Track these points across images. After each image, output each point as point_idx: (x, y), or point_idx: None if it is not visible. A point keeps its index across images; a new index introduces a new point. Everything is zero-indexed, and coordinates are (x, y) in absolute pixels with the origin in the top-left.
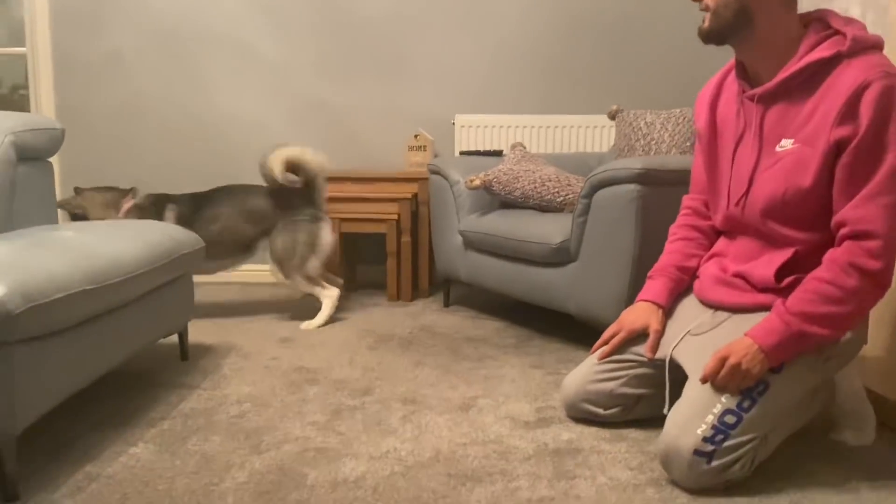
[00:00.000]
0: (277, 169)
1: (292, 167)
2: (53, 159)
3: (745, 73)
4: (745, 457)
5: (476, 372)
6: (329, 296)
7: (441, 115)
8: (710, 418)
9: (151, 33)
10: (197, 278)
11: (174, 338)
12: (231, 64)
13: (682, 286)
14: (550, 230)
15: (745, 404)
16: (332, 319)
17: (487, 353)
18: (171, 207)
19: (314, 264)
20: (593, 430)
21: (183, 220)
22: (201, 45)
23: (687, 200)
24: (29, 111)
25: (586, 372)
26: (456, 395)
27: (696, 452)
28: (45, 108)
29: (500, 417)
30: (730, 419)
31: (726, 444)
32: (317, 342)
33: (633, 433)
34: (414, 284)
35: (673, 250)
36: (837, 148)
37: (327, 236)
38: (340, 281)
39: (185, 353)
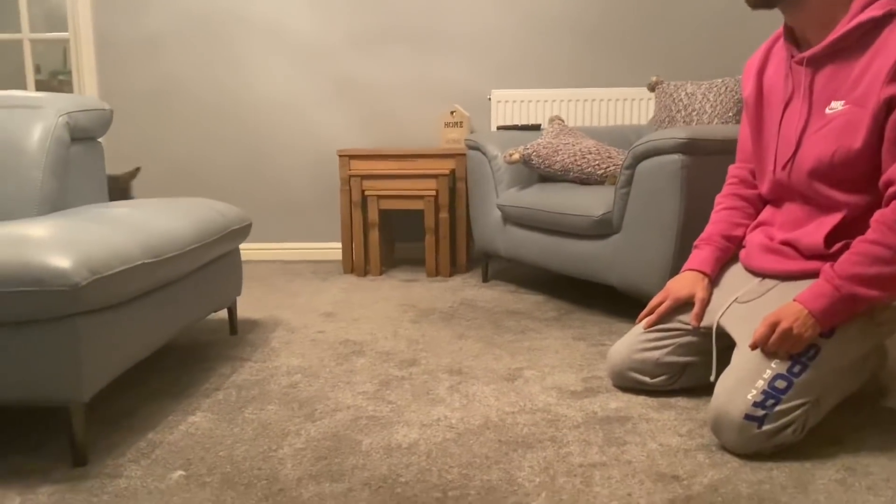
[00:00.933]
0: None
1: None
2: None
3: (794, 38)
4: (797, 421)
5: (519, 344)
6: None
7: (477, 90)
8: (761, 383)
9: (189, 16)
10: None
11: (222, 313)
12: (266, 44)
13: (729, 255)
14: (592, 202)
15: (796, 369)
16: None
17: (529, 325)
18: None
19: None
20: (641, 398)
21: None
22: (237, 26)
23: (733, 169)
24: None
25: (632, 341)
26: (500, 367)
27: (747, 417)
28: (88, 91)
29: (546, 387)
30: (780, 384)
31: (777, 408)
32: (360, 316)
33: (681, 401)
34: (452, 260)
35: (719, 219)
36: (888, 106)
37: None
38: None
39: (235, 327)
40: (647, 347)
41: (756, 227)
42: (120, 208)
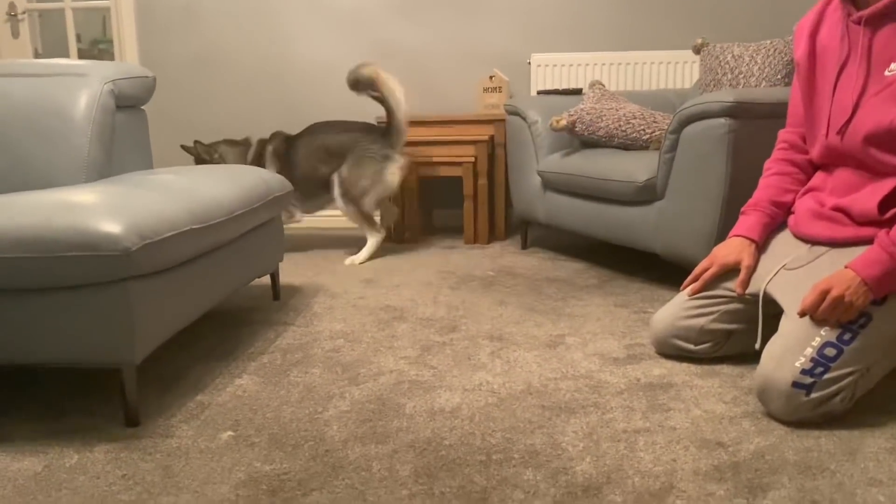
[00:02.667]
0: (370, 77)
1: (377, 90)
2: None
3: None
4: (846, 390)
5: (560, 311)
6: (375, 236)
7: (516, 54)
8: (809, 351)
9: None
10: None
11: (265, 280)
12: (306, 10)
13: (777, 221)
14: (635, 168)
15: (846, 337)
16: (373, 257)
17: (570, 292)
18: (268, 150)
19: (372, 200)
20: (684, 365)
21: (277, 164)
22: None
23: (783, 134)
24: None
25: (676, 308)
26: (542, 333)
27: (795, 385)
28: (128, 60)
29: (588, 354)
30: (830, 352)
31: (826, 376)
32: (399, 283)
33: (726, 369)
34: (490, 228)
35: (768, 185)
36: None
37: (393, 176)
38: (391, 221)
39: (277, 293)
40: (692, 315)
41: (806, 192)
42: (166, 175)
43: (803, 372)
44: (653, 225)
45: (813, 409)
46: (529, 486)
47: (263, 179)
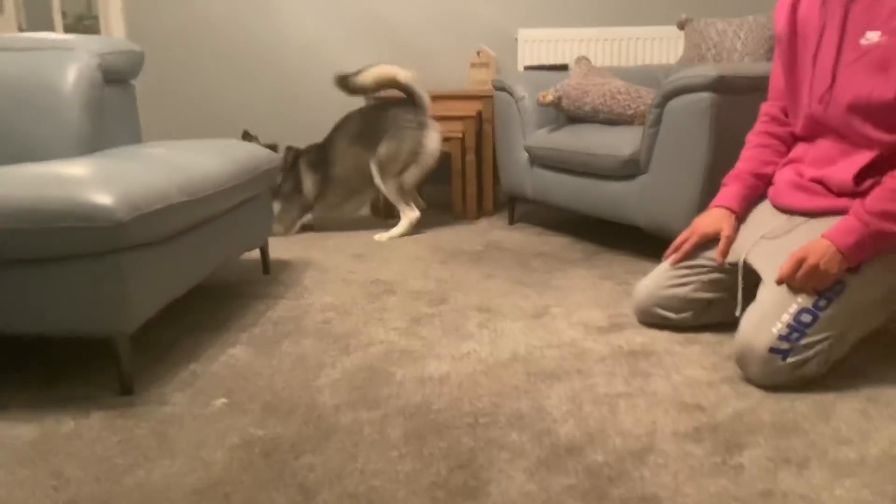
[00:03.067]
0: (369, 83)
1: (385, 85)
2: None
3: None
4: (820, 355)
5: (546, 283)
6: (409, 215)
7: (503, 30)
8: (786, 317)
9: None
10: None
11: (255, 254)
12: None
13: (758, 193)
14: (620, 142)
15: (822, 304)
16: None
17: (556, 266)
18: (302, 164)
19: (413, 174)
20: (666, 334)
21: (314, 171)
22: None
23: (765, 107)
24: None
25: (658, 277)
26: (528, 305)
27: (772, 350)
28: (115, 34)
29: (573, 324)
30: (806, 318)
31: (802, 342)
32: (389, 257)
33: (706, 337)
34: (478, 203)
35: (749, 157)
36: None
37: (433, 144)
38: (423, 205)
39: (267, 266)
40: (673, 284)
41: (786, 164)
42: (157, 148)
43: (780, 338)
44: (637, 199)
45: (789, 373)
46: (515, 446)
47: (253, 154)
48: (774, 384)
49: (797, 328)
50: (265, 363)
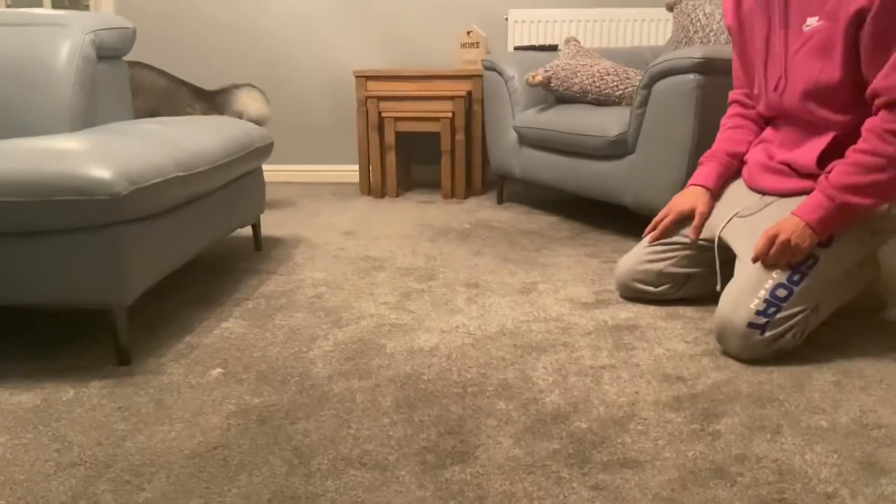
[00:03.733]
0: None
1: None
2: None
3: None
4: (797, 327)
5: (533, 261)
6: None
7: (493, 10)
8: (763, 293)
9: None
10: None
11: (247, 231)
12: None
13: (732, 170)
14: (608, 123)
15: (796, 278)
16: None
17: (543, 244)
18: None
19: None
20: (650, 309)
21: None
22: None
23: (732, 95)
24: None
25: (637, 254)
26: (515, 281)
27: (750, 325)
28: (104, 9)
29: (559, 299)
30: (781, 293)
31: (778, 315)
32: (379, 235)
33: (688, 312)
34: (468, 182)
35: (724, 138)
36: (858, 18)
37: None
38: None
39: (259, 243)
40: (651, 259)
41: (758, 144)
42: (151, 124)
43: (758, 313)
44: (624, 178)
45: (767, 346)
46: (502, 414)
47: (245, 131)
48: (753, 357)
49: (773, 303)
50: (259, 335)
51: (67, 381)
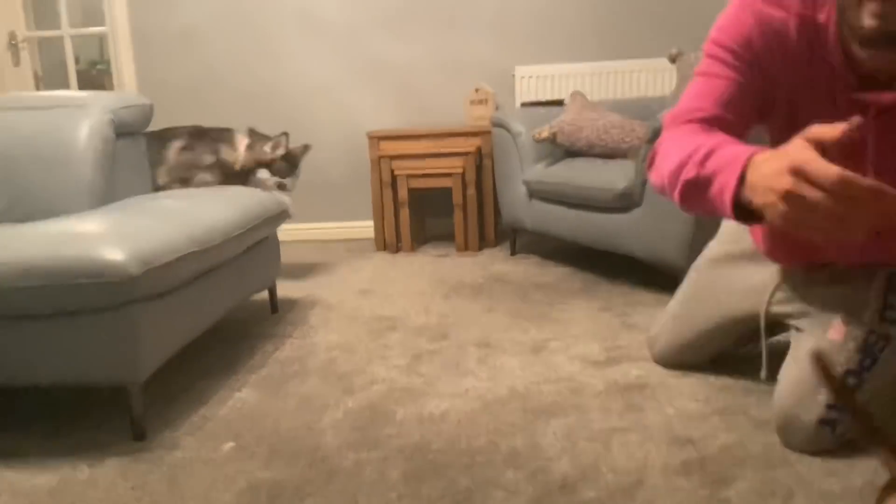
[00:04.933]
0: None
1: None
2: None
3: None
4: None
5: (546, 316)
6: None
7: (501, 66)
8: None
9: (221, 6)
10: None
11: (264, 294)
12: (297, 30)
13: None
14: (614, 176)
15: (867, 363)
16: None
17: (556, 298)
18: None
19: None
20: (661, 367)
21: None
22: (268, 14)
23: (683, 115)
24: (106, 86)
25: (681, 343)
26: (527, 339)
27: (822, 422)
28: (126, 84)
29: (570, 358)
30: (852, 381)
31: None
32: (394, 293)
33: (699, 369)
34: (480, 235)
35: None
36: None
37: None
38: None
39: (276, 306)
40: (697, 347)
41: None
42: (166, 200)
43: (828, 406)
44: (632, 231)
45: (836, 440)
46: (510, 485)
47: (258, 200)
48: (818, 450)
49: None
50: (272, 405)
51: (83, 459)
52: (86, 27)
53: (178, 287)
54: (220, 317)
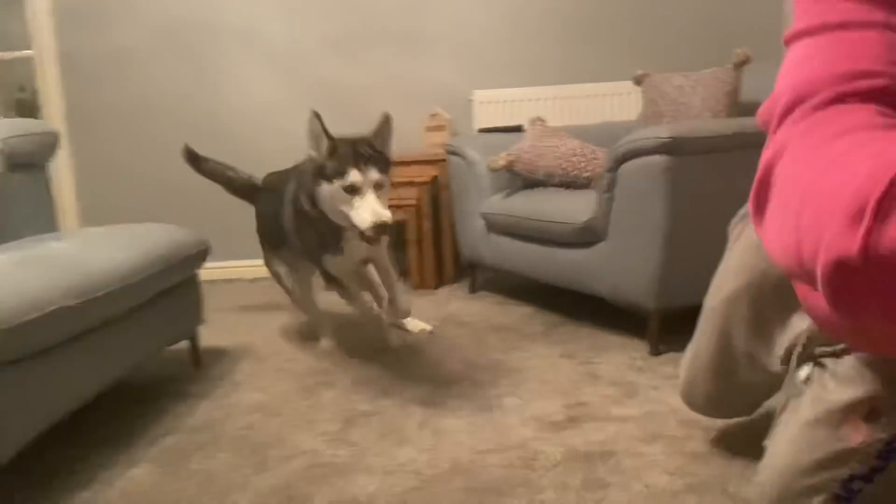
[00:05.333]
0: None
1: None
2: (66, 160)
3: None
4: None
5: (501, 365)
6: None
7: (458, 91)
8: (834, 486)
9: (156, 28)
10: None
11: (186, 344)
12: (239, 53)
13: None
14: (576, 208)
15: (880, 464)
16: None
17: (514, 342)
18: None
19: None
20: (628, 427)
21: None
22: (207, 36)
23: (852, 87)
24: (36, 114)
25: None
26: (478, 395)
27: None
28: (55, 110)
29: (525, 418)
30: (858, 486)
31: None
32: (337, 338)
33: (671, 428)
34: (438, 271)
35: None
36: None
37: None
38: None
39: (198, 359)
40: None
41: None
42: (54, 243)
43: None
44: (597, 267)
45: None
46: None
47: (172, 239)
48: None
49: (846, 497)
50: (169, 486)
51: None
52: (10, 51)
53: (53, 346)
54: (119, 376)
